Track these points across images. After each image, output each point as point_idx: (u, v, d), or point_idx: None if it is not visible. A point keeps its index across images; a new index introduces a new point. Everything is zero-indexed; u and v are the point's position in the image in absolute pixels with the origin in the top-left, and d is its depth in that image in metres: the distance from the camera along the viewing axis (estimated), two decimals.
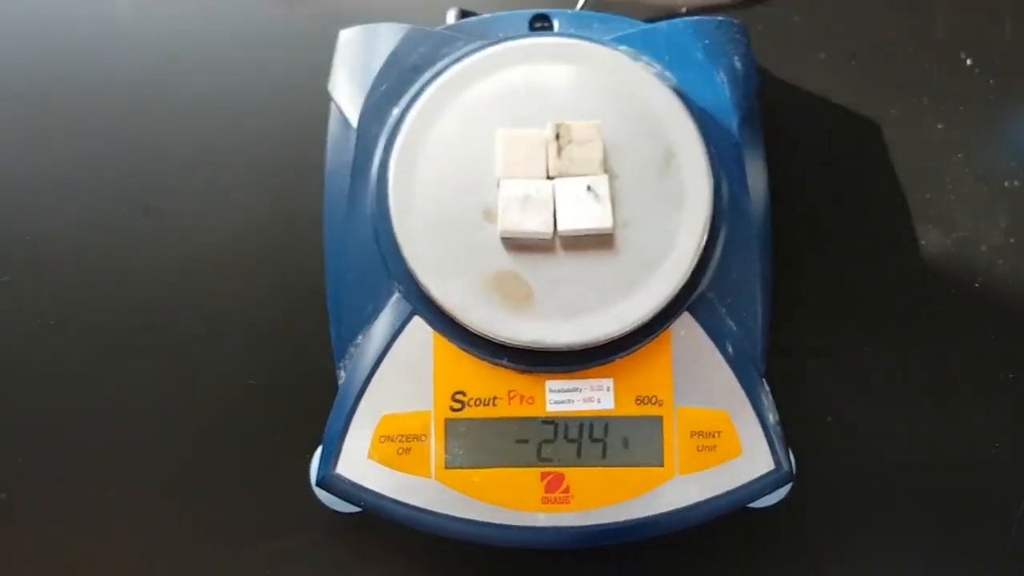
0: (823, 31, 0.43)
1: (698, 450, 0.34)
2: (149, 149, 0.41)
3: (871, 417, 0.39)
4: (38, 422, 0.39)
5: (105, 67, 0.42)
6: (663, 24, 0.37)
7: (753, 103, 0.37)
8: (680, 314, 0.34)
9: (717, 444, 0.34)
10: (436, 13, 0.40)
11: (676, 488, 0.33)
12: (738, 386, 0.34)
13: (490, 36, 0.36)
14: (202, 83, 0.42)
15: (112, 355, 0.39)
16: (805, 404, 0.38)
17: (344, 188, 0.35)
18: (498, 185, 0.33)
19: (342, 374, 0.35)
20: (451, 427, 0.34)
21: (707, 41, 0.36)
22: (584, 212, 0.33)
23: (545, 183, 0.33)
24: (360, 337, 0.35)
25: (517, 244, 0.33)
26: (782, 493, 0.35)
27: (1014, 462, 0.39)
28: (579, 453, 0.34)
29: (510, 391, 0.34)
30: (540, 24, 0.37)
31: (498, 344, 0.33)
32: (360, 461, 0.34)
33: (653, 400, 0.34)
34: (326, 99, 0.37)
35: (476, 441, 0.34)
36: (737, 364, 0.34)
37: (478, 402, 0.34)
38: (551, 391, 0.34)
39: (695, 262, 0.33)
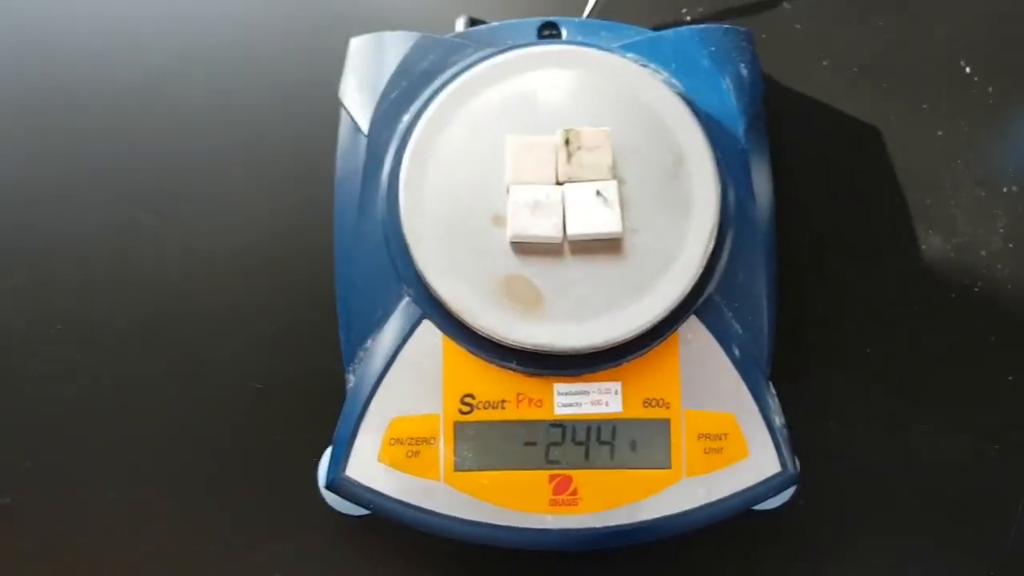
0: (826, 39, 0.43)
1: (705, 452, 0.34)
2: (160, 155, 0.41)
3: (871, 418, 0.39)
4: (45, 424, 0.39)
5: (114, 72, 0.42)
6: (670, 32, 0.37)
7: (759, 110, 0.37)
8: (687, 318, 0.34)
9: (724, 446, 0.34)
10: (446, 21, 0.40)
11: (684, 490, 0.34)
12: (745, 389, 0.34)
13: (499, 44, 0.36)
14: (213, 90, 0.42)
15: (121, 359, 0.39)
16: (806, 406, 0.38)
17: (354, 194, 0.35)
18: (507, 191, 0.34)
19: (351, 378, 0.35)
20: (460, 430, 0.34)
21: (713, 48, 0.37)
22: (593, 217, 0.33)
23: (555, 188, 0.34)
24: (370, 341, 0.35)
25: (526, 248, 0.33)
26: (787, 495, 0.35)
27: (1014, 462, 0.39)
28: (587, 455, 0.34)
29: (519, 394, 0.34)
30: (548, 32, 0.37)
31: (507, 347, 0.33)
32: (370, 464, 0.34)
33: (661, 403, 0.34)
34: (336, 106, 0.37)
35: (485, 444, 0.34)
36: (743, 367, 0.34)
37: (487, 405, 0.34)
38: (559, 394, 0.34)
39: (703, 266, 0.33)
